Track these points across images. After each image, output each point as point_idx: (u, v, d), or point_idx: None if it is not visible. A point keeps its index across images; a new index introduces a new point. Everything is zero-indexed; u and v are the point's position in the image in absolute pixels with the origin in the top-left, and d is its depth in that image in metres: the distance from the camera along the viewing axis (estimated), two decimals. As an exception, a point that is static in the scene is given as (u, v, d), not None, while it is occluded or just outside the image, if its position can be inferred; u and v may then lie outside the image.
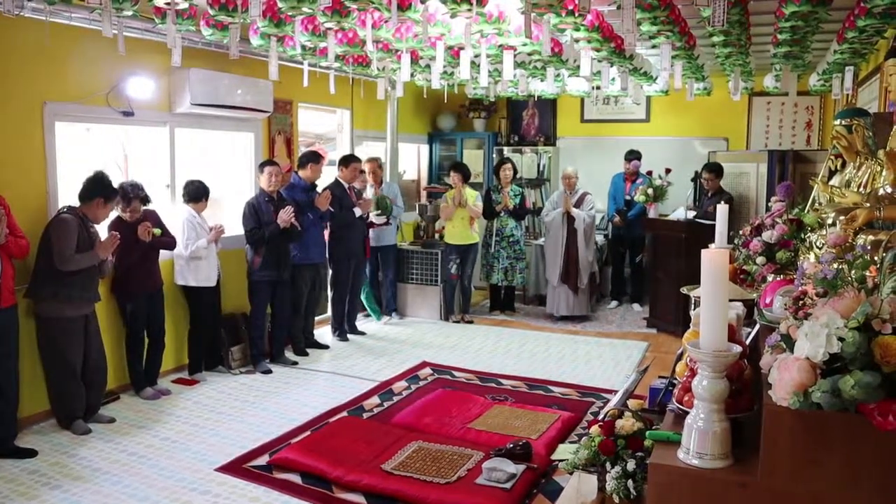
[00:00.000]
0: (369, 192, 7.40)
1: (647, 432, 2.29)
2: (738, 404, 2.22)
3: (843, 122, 3.81)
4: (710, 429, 2.08)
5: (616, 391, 5.47)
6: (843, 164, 4.84)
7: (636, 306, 8.36)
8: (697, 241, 7.01)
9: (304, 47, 5.09)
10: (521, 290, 8.48)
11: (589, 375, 5.94)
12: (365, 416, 4.95)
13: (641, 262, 8.29)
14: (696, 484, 2.09)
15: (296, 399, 5.27)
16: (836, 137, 3.59)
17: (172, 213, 5.59)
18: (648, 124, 8.99)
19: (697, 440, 2.09)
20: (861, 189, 3.48)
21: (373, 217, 7.13)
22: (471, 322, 7.77)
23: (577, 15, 3.82)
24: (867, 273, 2.18)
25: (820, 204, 4.14)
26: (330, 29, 4.33)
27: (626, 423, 2.61)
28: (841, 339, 1.81)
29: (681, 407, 2.37)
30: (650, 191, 7.49)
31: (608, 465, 2.57)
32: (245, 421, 4.81)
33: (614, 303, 8.50)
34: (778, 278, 3.26)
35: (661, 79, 7.14)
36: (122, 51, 3.97)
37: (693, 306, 3.72)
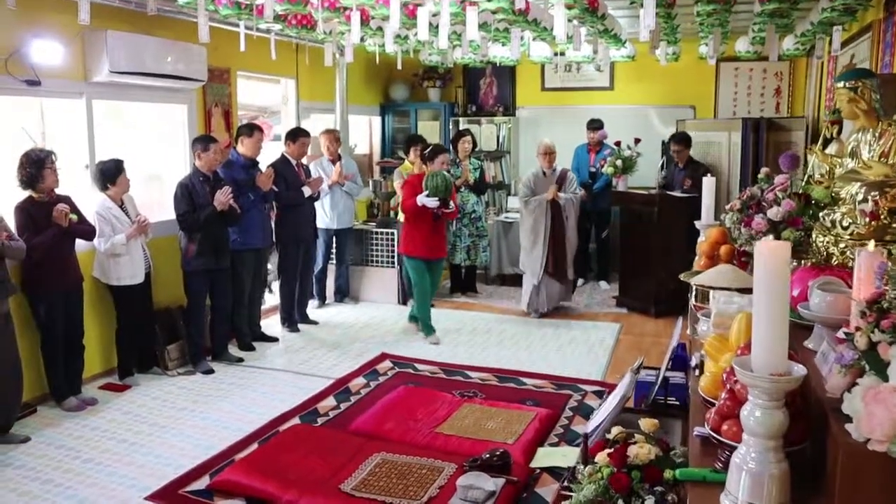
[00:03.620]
0: (323, 167, 6.82)
1: (678, 471, 1.84)
2: (789, 434, 1.75)
3: (848, 85, 3.39)
4: (766, 472, 1.63)
5: (594, 382, 5.07)
6: (839, 132, 4.45)
7: (603, 284, 7.97)
8: (670, 216, 6.66)
9: (239, 5, 4.45)
10: (483, 269, 8.01)
11: (562, 363, 5.51)
12: (319, 421, 4.42)
13: (607, 238, 7.91)
14: (751, 544, 1.63)
15: (241, 403, 4.71)
16: (853, 101, 3.16)
17: (93, 198, 4.91)
18: (612, 92, 8.55)
19: (749, 486, 1.64)
20: (883, 159, 3.07)
21: (422, 198, 5.75)
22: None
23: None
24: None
25: (822, 175, 3.74)
26: (267, -20, 3.72)
27: (641, 451, 2.14)
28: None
29: (715, 436, 1.91)
30: (619, 162, 7.05)
31: (621, 502, 2.11)
32: (183, 433, 4.23)
33: (580, 281, 8.08)
34: (802, 265, 2.83)
35: (630, 43, 6.68)
36: (12, 4, 3.29)
37: (695, 296, 3.29)
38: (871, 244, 1.97)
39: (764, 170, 4.42)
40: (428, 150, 6.12)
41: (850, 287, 2.34)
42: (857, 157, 3.37)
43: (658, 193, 6.70)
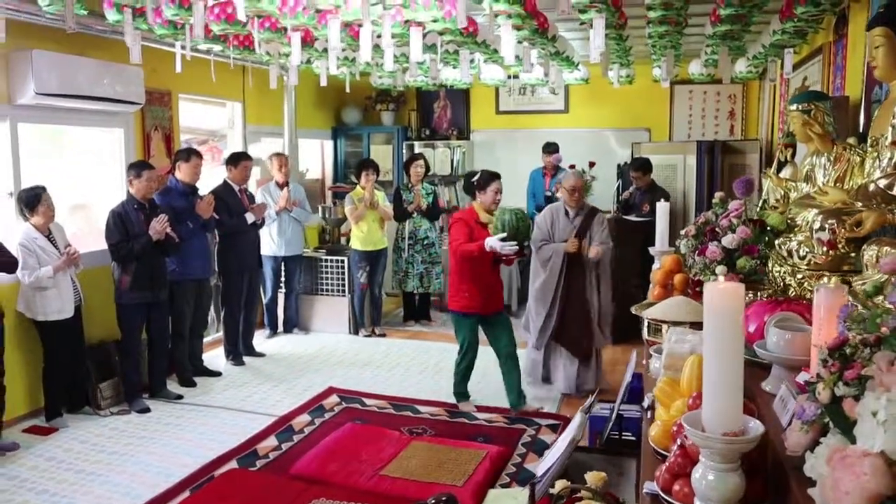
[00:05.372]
0: (271, 192, 6.62)
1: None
2: (745, 492, 1.57)
3: (801, 107, 3.30)
4: (722, 542, 1.45)
5: (548, 415, 4.83)
6: (793, 155, 4.36)
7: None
8: (625, 240, 6.55)
9: (174, 25, 4.22)
10: (437, 296, 7.80)
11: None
12: (259, 463, 4.15)
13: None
14: None
15: (176, 445, 4.41)
16: (807, 124, 3.06)
17: (18, 228, 4.61)
18: (567, 115, 8.48)
19: (704, 559, 1.46)
20: (839, 184, 2.96)
21: (494, 243, 4.48)
22: (383, 335, 7.05)
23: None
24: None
25: (777, 200, 3.64)
26: (196, -2, 3.50)
27: (589, 510, 1.96)
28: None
29: (665, 497, 1.73)
30: (574, 186, 6.92)
31: (567, 568, 1.92)
32: (110, 481, 3.92)
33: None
34: (758, 297, 2.68)
35: (583, 65, 6.60)
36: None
37: (647, 330, 3.12)
38: (833, 280, 1.82)
39: (718, 194, 4.31)
40: (477, 176, 4.87)
41: (810, 323, 2.19)
42: (813, 181, 3.26)
43: (613, 217, 6.60)
